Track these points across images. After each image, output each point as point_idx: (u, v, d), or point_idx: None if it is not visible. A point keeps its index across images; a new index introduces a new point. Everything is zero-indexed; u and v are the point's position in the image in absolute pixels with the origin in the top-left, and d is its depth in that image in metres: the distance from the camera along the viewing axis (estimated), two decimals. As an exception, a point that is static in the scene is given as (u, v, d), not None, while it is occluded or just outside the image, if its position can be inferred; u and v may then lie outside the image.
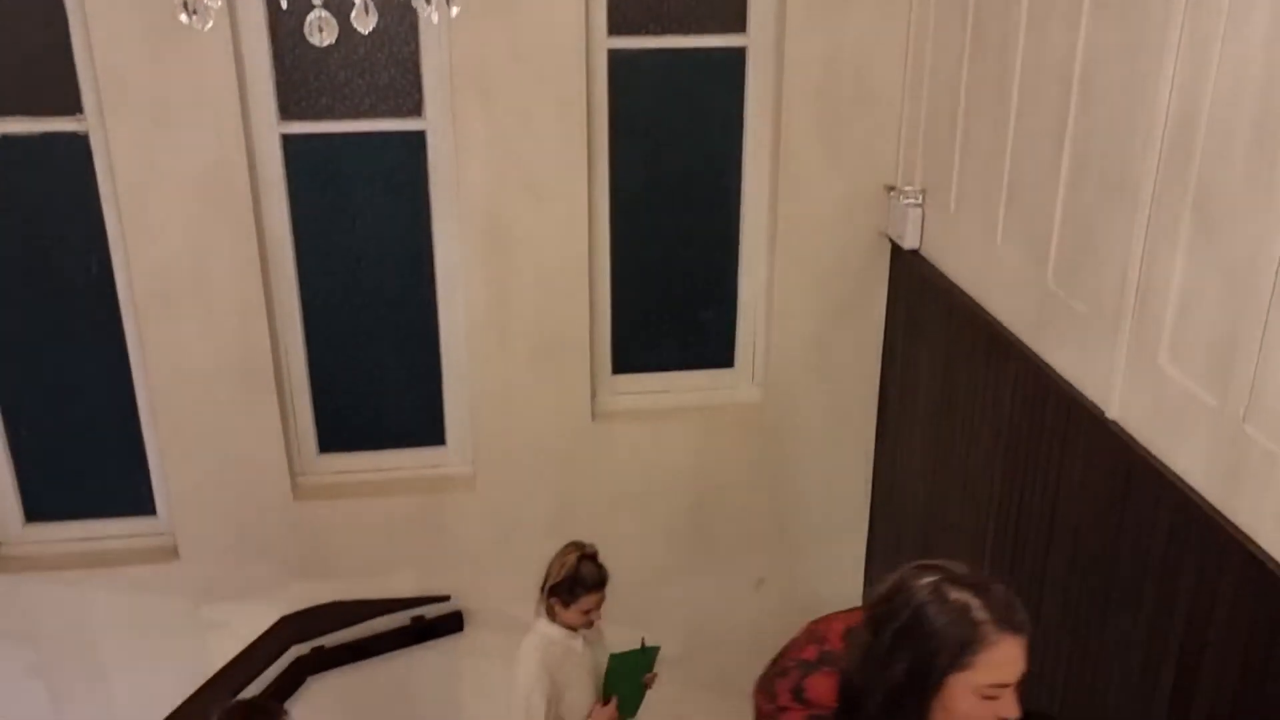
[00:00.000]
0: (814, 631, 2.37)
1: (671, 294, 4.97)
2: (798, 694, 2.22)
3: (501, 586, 5.12)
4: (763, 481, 5.10)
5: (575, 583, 3.97)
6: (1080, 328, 3.28)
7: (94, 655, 5.04)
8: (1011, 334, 3.73)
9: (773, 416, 5.00)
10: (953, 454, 4.26)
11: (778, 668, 2.34)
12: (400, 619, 5.06)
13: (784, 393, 4.96)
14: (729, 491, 5.09)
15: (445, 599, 5.10)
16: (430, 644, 5.12)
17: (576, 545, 4.05)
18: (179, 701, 4.71)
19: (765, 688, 2.32)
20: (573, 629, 4.04)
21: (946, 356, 4.28)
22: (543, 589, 4.03)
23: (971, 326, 4.03)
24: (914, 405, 4.64)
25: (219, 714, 3.41)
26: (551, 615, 4.03)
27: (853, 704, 2.06)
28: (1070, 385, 3.34)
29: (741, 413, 5.05)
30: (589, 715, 4.09)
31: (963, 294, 4.11)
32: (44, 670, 5.03)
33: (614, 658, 4.10)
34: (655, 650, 4.18)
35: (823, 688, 2.16)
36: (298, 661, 4.85)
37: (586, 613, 4.01)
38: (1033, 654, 3.59)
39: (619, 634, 5.18)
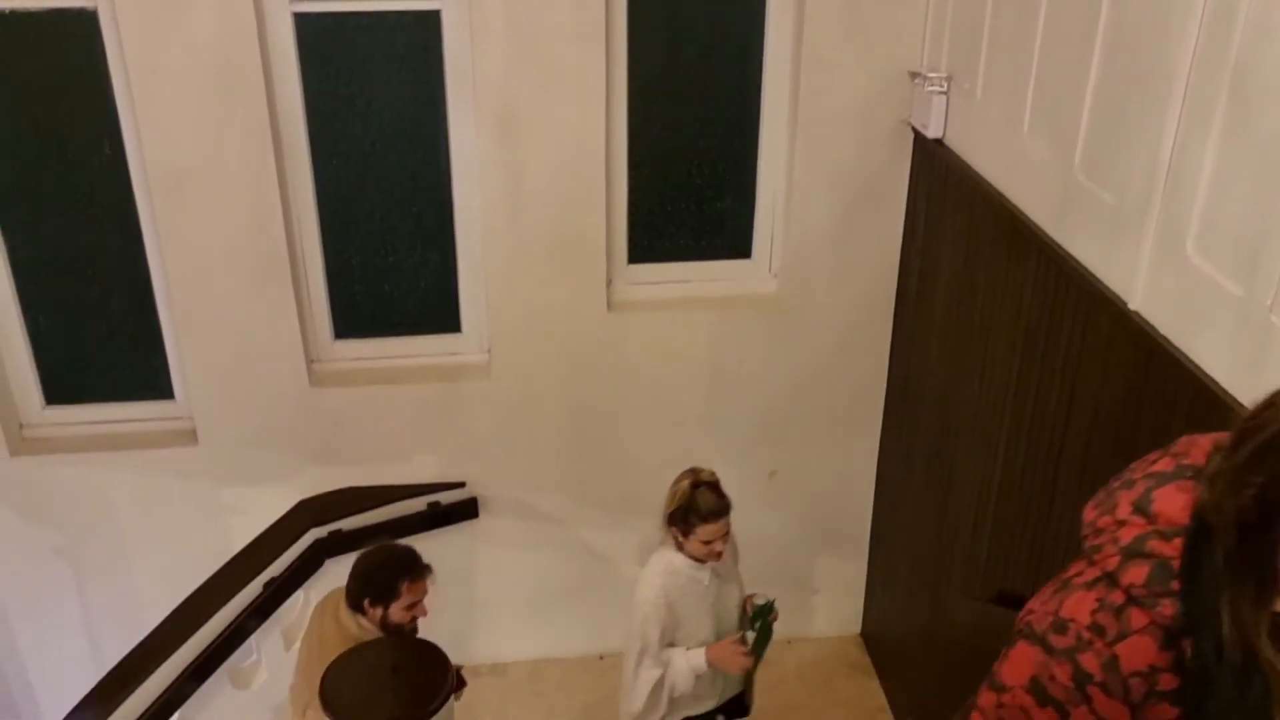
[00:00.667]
0: (1174, 447, 1.99)
1: (689, 183, 4.90)
2: (1142, 507, 1.88)
3: (516, 474, 5.19)
4: (778, 374, 5.09)
5: (689, 511, 3.74)
6: (1106, 218, 3.23)
7: (116, 537, 5.13)
8: (1034, 225, 3.67)
9: (789, 308, 4.97)
10: (970, 346, 4.23)
11: (1122, 480, 2.01)
12: (416, 505, 5.12)
13: (801, 284, 4.93)
14: (744, 383, 5.10)
15: (460, 485, 5.16)
16: (445, 530, 5.19)
17: (692, 472, 3.80)
18: (200, 582, 4.80)
19: (1103, 502, 2.02)
20: (699, 560, 3.84)
21: (967, 248, 4.23)
22: (665, 516, 3.84)
23: (993, 217, 3.97)
24: (932, 297, 4.60)
25: (363, 553, 3.86)
26: (678, 544, 3.84)
27: (1203, 526, 1.75)
28: (1092, 276, 3.30)
29: (758, 304, 5.02)
30: (719, 649, 3.91)
31: (985, 184, 4.04)
32: (69, 551, 5.13)
33: (760, 609, 3.97)
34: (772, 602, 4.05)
35: (1173, 503, 1.83)
36: (316, 544, 4.92)
37: (707, 544, 3.76)
38: (1046, 541, 3.65)
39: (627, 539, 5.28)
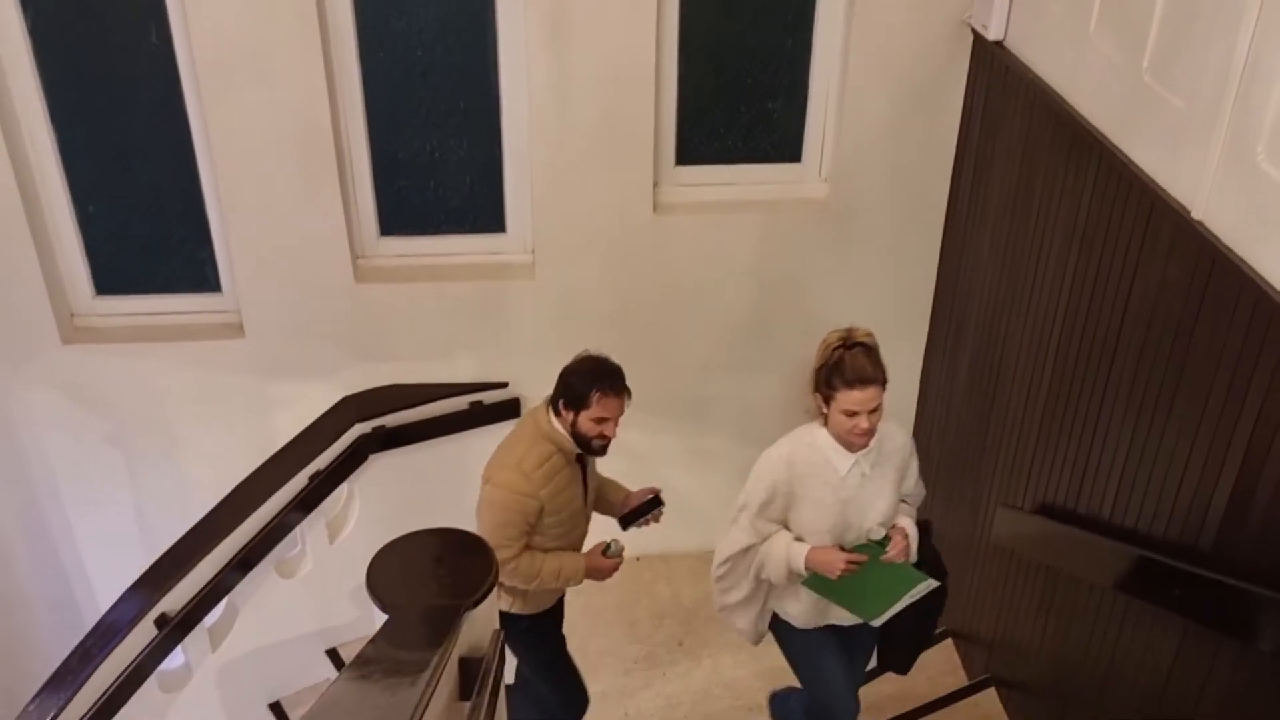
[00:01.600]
0: None
1: (740, 83, 4.80)
2: None
3: (557, 375, 5.18)
4: (823, 280, 5.04)
5: (833, 373, 3.26)
6: (1173, 123, 3.13)
7: (165, 427, 5.22)
8: (1096, 131, 3.58)
9: (838, 213, 4.90)
10: (1022, 254, 4.16)
11: None
12: (458, 404, 5.15)
13: (851, 188, 4.85)
14: (787, 289, 5.05)
15: (503, 386, 5.18)
16: (487, 428, 5.22)
17: (846, 330, 3.34)
18: (246, 474, 4.87)
19: None
20: (844, 443, 3.36)
21: (1024, 153, 4.13)
22: (811, 377, 3.38)
23: (1053, 122, 3.87)
24: (985, 204, 4.52)
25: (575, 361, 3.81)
26: (821, 416, 3.39)
27: None
28: (1154, 184, 3.22)
29: (806, 209, 4.95)
30: (824, 551, 3.45)
31: (1046, 88, 3.93)
32: (120, 440, 5.23)
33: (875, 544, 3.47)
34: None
35: None
36: (360, 440, 4.97)
37: (851, 415, 3.25)
38: (1092, 450, 3.62)
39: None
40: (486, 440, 5.24)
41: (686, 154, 4.87)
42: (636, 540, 5.47)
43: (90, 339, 4.98)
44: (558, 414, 3.68)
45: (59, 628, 5.69)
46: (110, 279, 4.99)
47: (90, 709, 4.55)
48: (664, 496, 4.06)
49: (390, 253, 4.97)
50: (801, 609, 3.69)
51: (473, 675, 2.52)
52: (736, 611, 3.77)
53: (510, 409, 5.21)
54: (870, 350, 3.27)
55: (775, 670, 5.06)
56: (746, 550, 3.56)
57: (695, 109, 4.81)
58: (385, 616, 2.86)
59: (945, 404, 5.11)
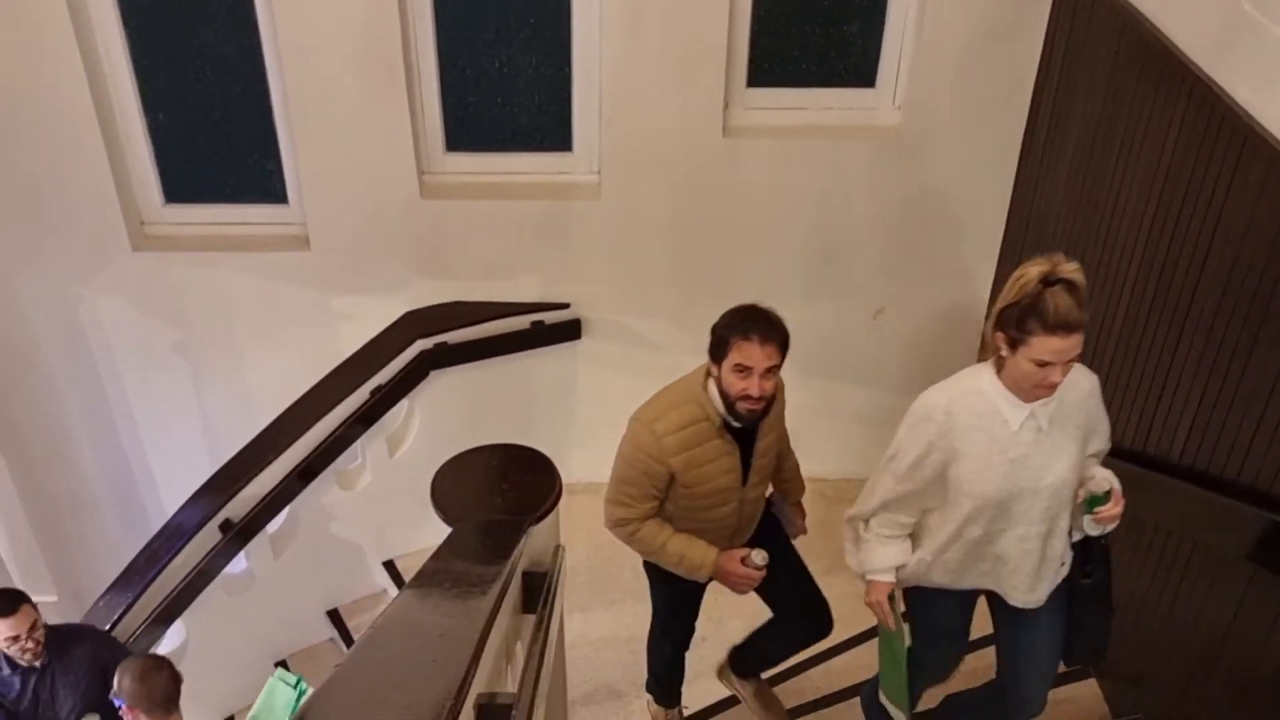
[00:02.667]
0: None
1: (816, 3, 4.68)
2: None
3: (619, 298, 5.18)
4: (893, 209, 4.95)
5: (1028, 314, 2.64)
6: (1271, 54, 3.01)
7: (231, 337, 5.28)
8: (1188, 60, 3.44)
9: (910, 142, 4.80)
10: (1101, 189, 4.05)
11: None
12: (520, 323, 5.16)
13: (925, 117, 4.74)
14: (856, 218, 4.97)
15: (564, 306, 5.17)
16: (547, 348, 5.24)
17: (1048, 260, 2.69)
18: (309, 386, 4.93)
19: None
20: (1021, 394, 2.78)
21: (1109, 84, 4.00)
22: (995, 314, 2.79)
23: (1142, 52, 3.74)
24: (1064, 136, 4.39)
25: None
26: (998, 361, 2.79)
27: None
28: (1248, 117, 3.10)
29: (878, 136, 4.85)
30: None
31: (1137, 15, 3.78)
32: (187, 348, 5.31)
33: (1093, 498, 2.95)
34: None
35: None
36: (422, 356, 5.00)
37: (1042, 366, 2.65)
38: (1163, 395, 3.54)
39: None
40: (546, 360, 5.29)
41: (759, 76, 4.77)
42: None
43: (159, 247, 5.03)
44: (709, 374, 3.24)
45: (126, 530, 5.85)
46: (179, 188, 5.03)
47: (156, 608, 4.68)
48: None
49: (456, 169, 4.95)
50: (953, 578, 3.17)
51: (536, 589, 2.55)
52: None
53: (571, 330, 5.21)
54: (1075, 289, 2.66)
55: (832, 597, 5.09)
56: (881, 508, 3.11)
57: (769, 29, 4.70)
58: (448, 530, 2.90)
59: (1011, 340, 5.04)
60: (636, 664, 4.82)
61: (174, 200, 5.04)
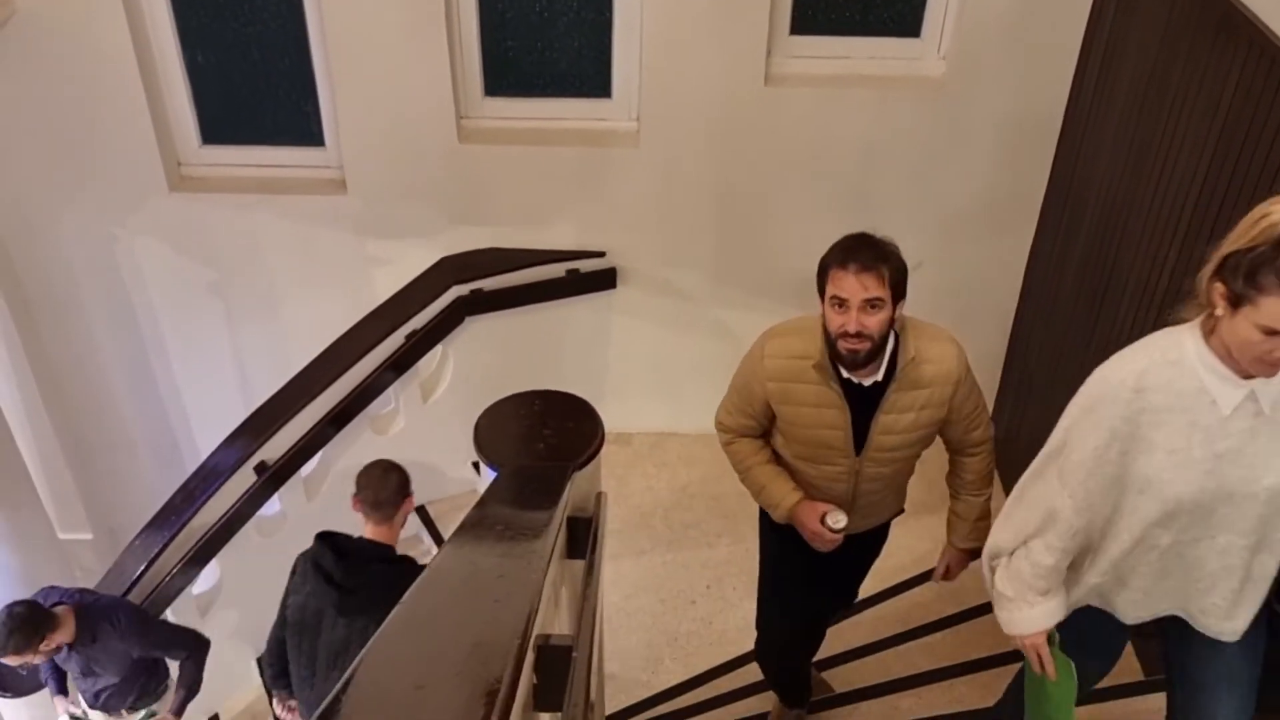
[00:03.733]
0: None
1: (862, -51, 4.62)
2: None
3: (656, 247, 5.15)
4: (935, 162, 4.89)
5: (1263, 266, 2.06)
6: (1338, 4, 2.94)
7: (266, 279, 5.29)
8: (1248, 10, 3.37)
9: (955, 93, 4.72)
10: (1151, 145, 3.98)
11: None
12: (555, 270, 5.14)
13: (970, 68, 4.66)
14: (897, 169, 4.91)
15: (600, 255, 5.15)
16: (582, 297, 5.22)
17: None
18: (344, 330, 4.94)
19: None
20: (1236, 368, 2.18)
21: (1163, 35, 3.92)
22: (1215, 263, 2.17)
23: (1199, 1, 3.66)
24: (1113, 89, 4.31)
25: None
26: (1209, 321, 2.20)
27: None
28: (1312, 70, 3.04)
29: (922, 87, 4.78)
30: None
31: (1195, -36, 3.71)
32: (223, 290, 5.32)
33: None
34: None
35: None
36: (458, 301, 5.00)
37: (1272, 335, 2.06)
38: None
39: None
40: (580, 309, 5.27)
41: (802, 23, 4.70)
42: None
43: (196, 188, 5.03)
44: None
45: (160, 470, 5.90)
46: (217, 129, 5.01)
47: (192, 548, 4.73)
48: None
49: (494, 114, 4.91)
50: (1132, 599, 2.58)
51: (581, 535, 2.55)
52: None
53: (606, 279, 5.19)
54: None
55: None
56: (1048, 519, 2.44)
57: (814, -24, 4.63)
58: (478, 476, 2.90)
59: (1049, 304, 4.98)
60: (665, 612, 4.86)
61: (211, 141, 5.03)
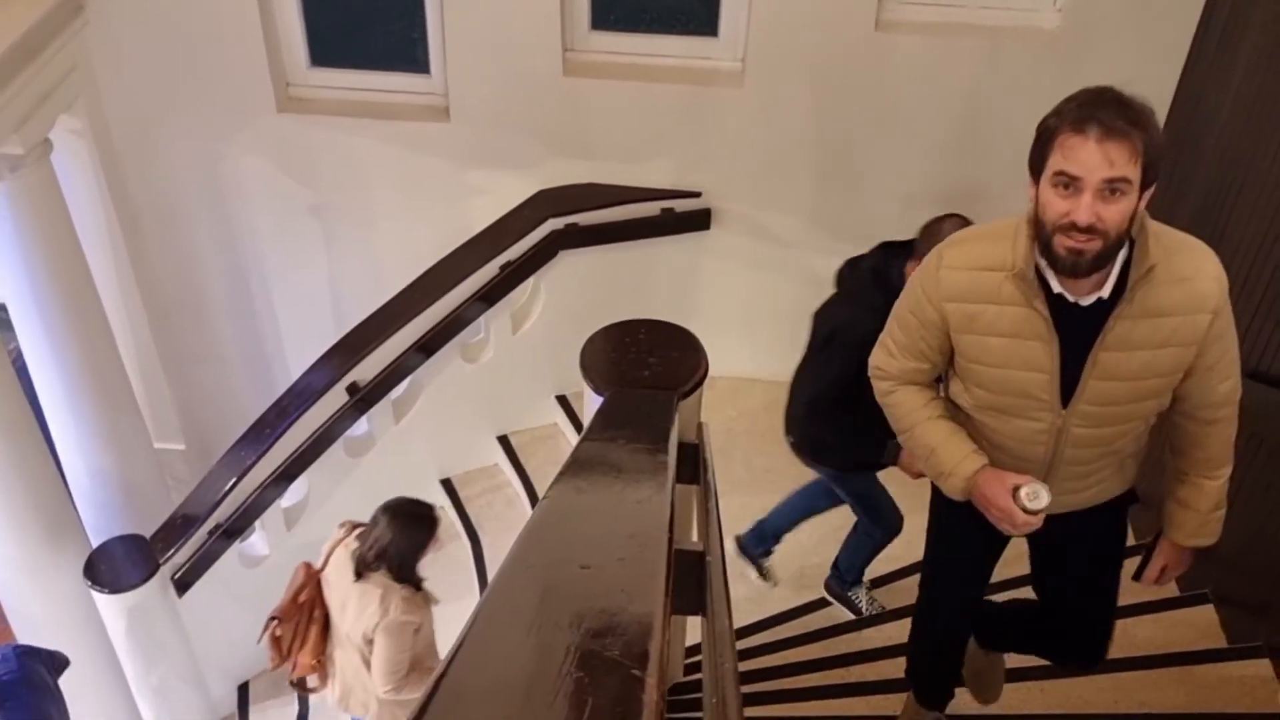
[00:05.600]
0: None
1: (985, -107, 4.52)
2: None
3: (752, 190, 5.13)
4: (1042, 116, 4.79)
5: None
6: None
7: (366, 203, 5.37)
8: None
9: (1068, 45, 4.62)
10: (1275, 105, 3.88)
11: None
12: (650, 209, 5.15)
13: (1087, 20, 4.56)
14: (1005, 122, 4.82)
15: (696, 195, 5.14)
16: (675, 237, 5.22)
17: None
18: (438, 257, 5.00)
19: None
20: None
21: (1297, -7, 3.81)
22: None
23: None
24: (1237, 45, 4.20)
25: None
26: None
27: None
28: None
29: (1036, 38, 4.68)
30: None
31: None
32: (322, 211, 5.41)
33: None
34: None
35: None
36: (552, 235, 5.03)
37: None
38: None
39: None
40: (673, 249, 5.27)
41: (916, -33, 4.64)
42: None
43: (302, 109, 5.09)
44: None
45: (252, 386, 6.04)
46: (325, 51, 5.06)
47: (283, 463, 4.85)
48: None
49: (599, 48, 4.91)
50: None
51: (690, 460, 2.58)
52: None
53: (700, 219, 5.18)
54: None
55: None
56: None
57: (931, -81, 4.55)
58: (592, 400, 2.94)
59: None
60: (738, 559, 4.87)
61: (319, 63, 5.09)
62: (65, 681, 4.12)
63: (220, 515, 4.78)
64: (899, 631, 3.79)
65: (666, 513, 1.50)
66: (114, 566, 4.70)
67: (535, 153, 5.06)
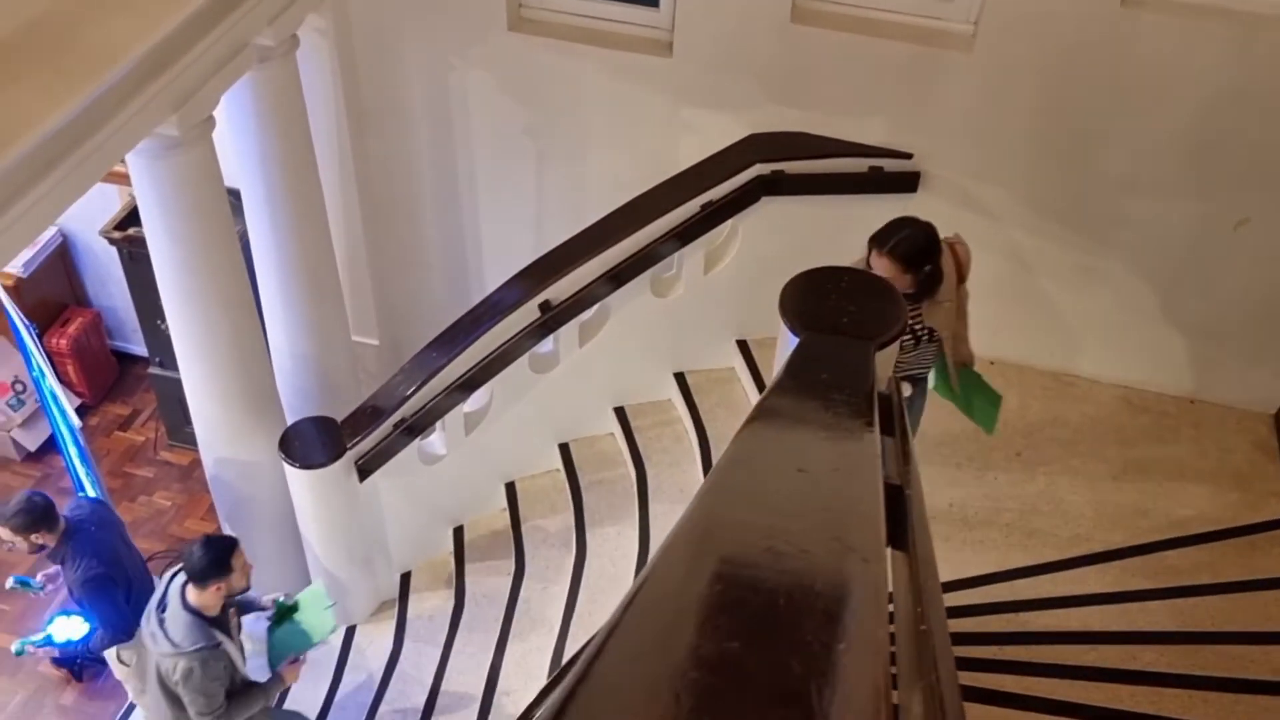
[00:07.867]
0: None
1: None
2: None
3: (966, 158, 5.02)
4: (1290, 114, 4.54)
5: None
6: None
7: (579, 128, 5.48)
8: None
9: (1332, 42, 4.35)
10: None
11: None
12: (858, 164, 5.09)
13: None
14: (1248, 115, 4.57)
15: (907, 157, 5.07)
16: (880, 196, 5.15)
17: None
18: (643, 189, 5.07)
19: None
20: None
21: None
22: None
23: None
24: None
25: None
26: None
27: None
28: None
29: (1295, 30, 4.42)
30: None
31: None
32: (537, 132, 5.55)
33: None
34: None
35: None
36: (758, 180, 5.04)
37: None
38: None
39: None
40: (875, 208, 5.17)
41: (1176, -57, 4.42)
42: (991, 343, 5.34)
43: (532, 30, 5.22)
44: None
45: (449, 292, 6.29)
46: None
47: (471, 368, 5.05)
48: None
49: (831, -3, 4.87)
50: None
51: (885, 409, 2.58)
52: None
53: (908, 182, 5.10)
54: None
55: (1112, 505, 4.95)
56: None
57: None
58: (788, 340, 2.96)
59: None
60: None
61: (552, -18, 5.20)
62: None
63: (405, 411, 5.02)
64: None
65: (874, 451, 1.53)
66: (305, 444, 5.01)
67: (751, 96, 5.06)
